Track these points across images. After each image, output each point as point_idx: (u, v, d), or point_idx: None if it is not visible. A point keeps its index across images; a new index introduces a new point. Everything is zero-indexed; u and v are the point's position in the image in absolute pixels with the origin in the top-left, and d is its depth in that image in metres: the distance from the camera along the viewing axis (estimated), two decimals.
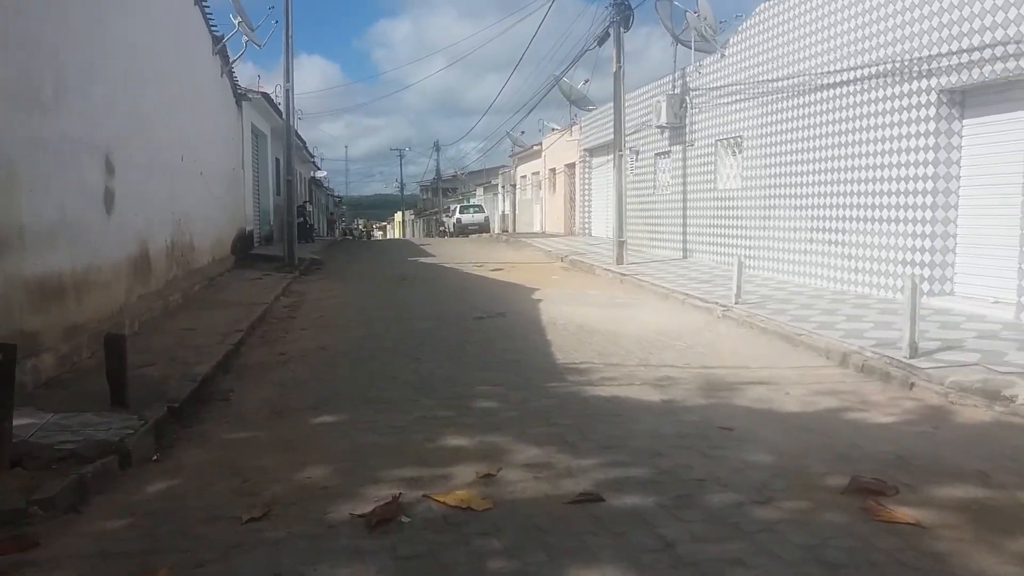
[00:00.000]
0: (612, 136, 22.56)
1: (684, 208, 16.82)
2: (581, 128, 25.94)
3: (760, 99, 13.44)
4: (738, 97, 14.26)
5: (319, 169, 42.32)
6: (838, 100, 11.18)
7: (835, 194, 11.31)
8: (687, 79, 16.63)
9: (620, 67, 15.68)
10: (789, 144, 12.52)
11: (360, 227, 58.46)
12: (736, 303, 9.94)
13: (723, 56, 14.89)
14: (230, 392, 6.37)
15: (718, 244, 15.21)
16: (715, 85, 15.28)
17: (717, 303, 10.24)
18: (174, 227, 10.34)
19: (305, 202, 29.85)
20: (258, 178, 21.10)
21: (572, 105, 27.41)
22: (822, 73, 11.56)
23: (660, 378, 6.64)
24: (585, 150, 25.54)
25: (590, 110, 26.26)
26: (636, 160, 19.96)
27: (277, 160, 22.24)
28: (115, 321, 7.65)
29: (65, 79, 6.70)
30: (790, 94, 12.49)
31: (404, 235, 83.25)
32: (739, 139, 14.43)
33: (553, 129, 31.96)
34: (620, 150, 15.88)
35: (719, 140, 15.25)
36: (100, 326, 7.26)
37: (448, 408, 5.68)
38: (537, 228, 33.19)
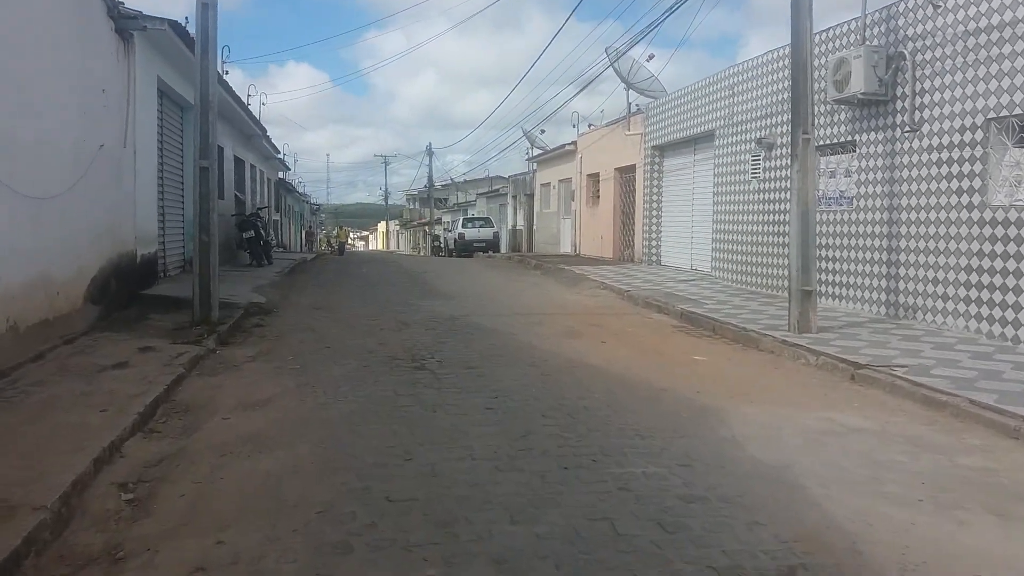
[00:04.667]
0: (698, 128, 15.46)
1: (892, 237, 9.93)
2: (647, 119, 19.08)
3: None
4: None
5: (287, 168, 34.84)
6: None
7: None
8: (899, 21, 9.80)
9: None
10: None
11: (335, 236, 50.25)
12: None
13: None
14: None
15: (992, 303, 8.32)
16: (976, 27, 8.47)
17: None
18: None
19: (259, 208, 22.54)
20: (181, 170, 13.96)
21: (630, 90, 20.61)
22: None
23: None
24: (654, 148, 18.62)
25: (653, 96, 19.55)
26: (769, 157, 13.09)
27: (220, 148, 14.97)
28: None
29: None
30: None
31: (388, 246, 75.86)
32: None
33: (591, 126, 25.18)
34: (806, 132, 8.91)
35: (993, 119, 8.42)
36: None
37: None
38: (567, 249, 26.18)
